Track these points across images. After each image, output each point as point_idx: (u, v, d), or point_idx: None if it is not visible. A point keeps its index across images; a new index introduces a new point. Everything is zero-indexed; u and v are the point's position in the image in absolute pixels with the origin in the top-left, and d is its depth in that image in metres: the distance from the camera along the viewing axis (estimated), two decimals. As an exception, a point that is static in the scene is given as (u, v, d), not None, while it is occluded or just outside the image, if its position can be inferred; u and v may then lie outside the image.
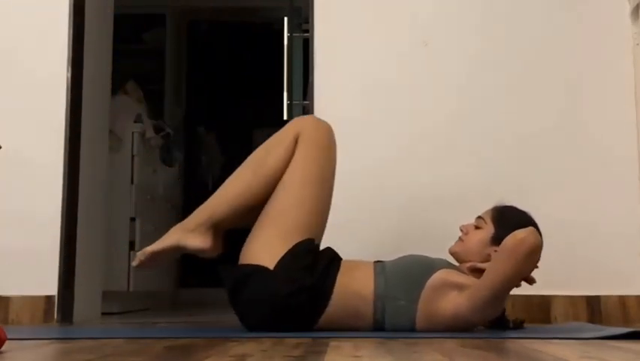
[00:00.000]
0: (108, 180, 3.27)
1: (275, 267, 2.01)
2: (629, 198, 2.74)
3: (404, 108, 2.81)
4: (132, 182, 3.82)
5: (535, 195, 2.69)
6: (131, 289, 3.73)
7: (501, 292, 1.94)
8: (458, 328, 1.98)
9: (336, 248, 2.17)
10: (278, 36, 5.17)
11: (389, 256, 2.17)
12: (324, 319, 2.02)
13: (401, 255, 2.16)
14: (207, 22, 6.39)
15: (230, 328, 2.26)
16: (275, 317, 1.99)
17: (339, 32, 2.85)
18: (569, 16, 2.85)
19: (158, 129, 4.29)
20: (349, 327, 2.03)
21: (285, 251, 2.03)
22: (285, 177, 2.13)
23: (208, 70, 6.47)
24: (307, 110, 3.42)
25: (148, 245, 4.08)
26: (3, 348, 1.47)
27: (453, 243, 2.18)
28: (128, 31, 5.50)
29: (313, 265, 2.05)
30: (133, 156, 3.85)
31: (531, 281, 2.06)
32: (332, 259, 2.10)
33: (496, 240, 2.05)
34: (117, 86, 3.89)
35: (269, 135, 2.27)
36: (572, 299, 2.65)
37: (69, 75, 2.78)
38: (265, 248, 2.05)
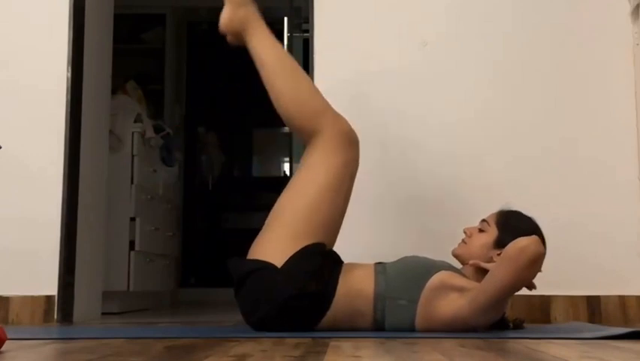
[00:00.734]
0: (108, 180, 3.27)
1: (282, 266, 2.01)
2: (629, 198, 2.74)
3: (404, 109, 2.81)
4: (132, 182, 3.82)
5: (535, 195, 2.69)
6: (131, 289, 3.73)
7: (501, 299, 1.94)
8: (457, 329, 1.98)
9: (337, 250, 2.17)
10: (278, 36, 5.16)
11: (391, 258, 2.17)
12: (325, 321, 2.03)
13: (402, 256, 2.16)
14: (207, 22, 6.39)
15: (230, 328, 2.27)
16: (276, 315, 1.99)
17: (339, 32, 2.85)
18: (569, 16, 2.85)
19: (158, 129, 4.29)
20: (349, 327, 2.03)
21: (295, 252, 2.03)
22: (304, 176, 2.13)
23: (208, 70, 6.48)
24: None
25: (148, 245, 4.10)
26: (3, 348, 1.47)
27: (455, 245, 2.18)
28: (128, 31, 5.50)
29: (320, 270, 2.04)
30: (133, 156, 3.85)
31: (531, 287, 2.06)
32: (335, 263, 2.10)
33: (499, 244, 2.05)
34: (117, 86, 3.89)
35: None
36: (572, 299, 2.65)
37: (69, 75, 2.78)
38: (275, 246, 2.05)
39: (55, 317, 2.65)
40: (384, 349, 1.53)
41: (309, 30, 2.91)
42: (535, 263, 1.87)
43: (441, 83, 2.82)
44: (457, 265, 2.15)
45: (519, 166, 2.76)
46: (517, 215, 2.15)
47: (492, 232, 2.11)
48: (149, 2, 5.60)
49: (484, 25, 2.85)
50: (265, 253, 2.05)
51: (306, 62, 2.98)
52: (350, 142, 2.20)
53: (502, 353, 1.48)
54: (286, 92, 2.21)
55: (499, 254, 2.04)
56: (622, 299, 2.66)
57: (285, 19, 4.26)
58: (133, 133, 3.87)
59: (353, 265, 2.11)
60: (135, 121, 3.92)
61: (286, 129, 5.52)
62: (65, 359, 1.39)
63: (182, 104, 6.09)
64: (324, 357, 1.36)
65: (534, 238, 1.88)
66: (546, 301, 2.64)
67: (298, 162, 4.13)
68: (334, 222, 2.16)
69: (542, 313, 2.63)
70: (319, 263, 2.05)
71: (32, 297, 2.65)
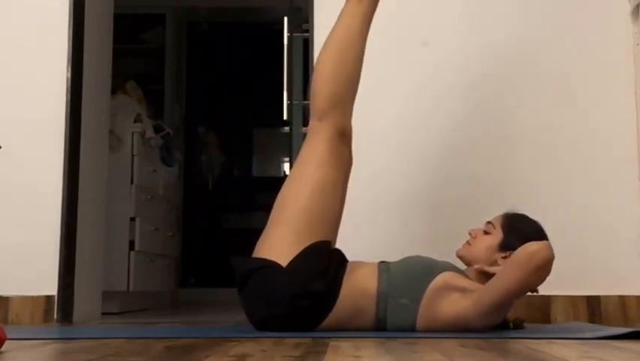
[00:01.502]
0: (108, 180, 3.27)
1: (287, 265, 2.01)
2: (629, 198, 2.74)
3: (404, 108, 2.81)
4: (132, 182, 3.82)
5: (536, 195, 2.69)
6: (131, 289, 3.73)
7: (506, 302, 1.93)
8: (459, 330, 1.98)
9: (342, 250, 2.17)
10: (278, 36, 5.17)
11: (393, 258, 2.17)
12: (328, 321, 2.02)
13: (406, 256, 2.16)
14: (207, 22, 6.39)
15: (230, 328, 2.27)
16: (279, 315, 1.99)
17: (339, 32, 2.85)
18: (569, 16, 2.85)
19: (158, 129, 4.29)
20: (351, 326, 2.03)
21: (299, 251, 2.03)
22: (303, 172, 2.14)
23: (208, 70, 6.48)
24: (307, 110, 3.42)
25: (148, 245, 4.10)
26: (3, 348, 1.47)
27: (460, 246, 2.17)
28: (128, 31, 5.50)
29: (325, 270, 2.04)
30: (133, 156, 3.85)
31: (534, 290, 2.05)
32: (340, 263, 2.10)
33: (504, 246, 2.05)
34: (117, 86, 3.89)
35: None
36: (572, 299, 2.65)
37: (69, 75, 2.78)
38: (279, 245, 2.04)
39: (55, 317, 2.65)
40: (384, 349, 1.53)
41: (309, 30, 2.91)
42: (543, 269, 1.86)
43: (441, 82, 2.82)
44: (461, 265, 2.15)
45: (519, 166, 2.76)
46: (522, 218, 2.15)
47: (497, 235, 2.11)
48: (149, 2, 5.60)
49: (484, 25, 2.85)
50: (269, 251, 2.05)
51: (306, 62, 2.98)
52: (346, 141, 2.20)
53: (503, 353, 1.48)
54: (332, 59, 2.23)
55: (503, 257, 2.04)
56: (622, 299, 2.66)
57: (285, 19, 4.26)
58: (133, 133, 3.87)
59: (357, 264, 2.11)
60: (135, 121, 3.92)
61: (286, 129, 5.52)
62: (65, 359, 1.39)
63: (182, 104, 6.09)
64: (324, 357, 1.36)
65: (545, 243, 1.88)
66: (546, 301, 2.64)
67: (298, 162, 4.13)
68: (335, 218, 2.16)
69: (542, 313, 2.63)
70: (324, 263, 2.04)
71: (32, 297, 2.65)
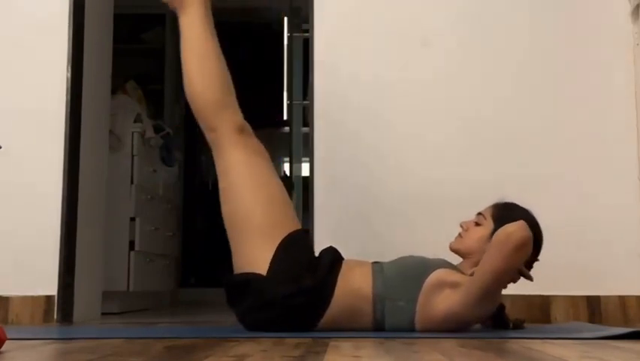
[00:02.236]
0: (108, 180, 3.27)
1: (268, 271, 2.00)
2: (629, 198, 2.74)
3: (405, 108, 2.81)
4: (132, 182, 3.82)
5: (535, 195, 2.68)
6: (131, 289, 3.73)
7: (492, 287, 1.94)
8: (453, 326, 1.98)
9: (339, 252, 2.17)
10: (278, 36, 5.18)
11: (389, 257, 2.17)
12: (324, 320, 2.02)
13: (399, 256, 2.16)
14: (207, 22, 6.38)
15: (230, 328, 2.26)
16: (275, 319, 1.99)
17: (339, 32, 2.85)
18: (570, 16, 2.85)
19: (158, 129, 4.29)
20: (349, 327, 2.03)
21: (273, 252, 2.02)
22: (231, 182, 2.10)
23: (208, 70, 6.46)
24: (307, 110, 3.42)
25: (148, 245, 4.10)
26: (3, 348, 1.47)
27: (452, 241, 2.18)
28: (128, 31, 5.50)
29: (313, 263, 2.05)
30: (133, 156, 3.85)
31: (528, 277, 2.06)
32: (334, 260, 2.09)
33: None
34: (117, 86, 3.89)
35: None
36: (572, 299, 2.65)
37: (69, 75, 2.78)
38: (253, 256, 2.02)
39: (55, 316, 2.65)
40: (383, 349, 1.53)
41: (309, 30, 2.91)
42: (523, 247, 1.88)
43: (441, 82, 2.82)
44: (455, 260, 2.15)
45: (518, 166, 2.76)
46: (512, 207, 2.16)
47: (488, 225, 2.11)
48: (149, 2, 5.59)
49: (484, 25, 2.85)
50: (248, 264, 2.03)
51: (306, 62, 2.98)
52: (247, 134, 2.19)
53: (502, 353, 1.48)
54: (194, 73, 2.19)
55: None
56: (622, 299, 2.66)
57: (285, 19, 4.27)
58: (133, 133, 3.87)
59: (352, 263, 2.10)
60: (135, 121, 3.92)
61: (286, 129, 5.52)
62: (65, 359, 1.39)
63: (182, 104, 6.09)
64: (324, 357, 1.36)
65: (520, 222, 1.89)
66: (546, 301, 2.64)
67: (298, 162, 4.14)
68: (286, 200, 2.16)
69: (542, 313, 2.63)
70: (304, 254, 2.05)
71: (32, 297, 2.65)
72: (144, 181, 3.97)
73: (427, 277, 2.01)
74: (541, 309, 2.64)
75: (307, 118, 3.25)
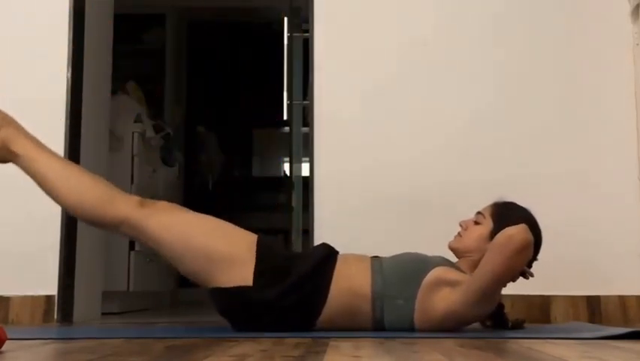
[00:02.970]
0: (108, 180, 3.26)
1: (253, 281, 1.99)
2: (629, 198, 2.74)
3: (404, 108, 2.81)
4: (132, 182, 3.82)
5: (535, 195, 2.68)
6: (131, 289, 3.73)
7: (491, 289, 1.94)
8: (452, 325, 1.99)
9: (335, 248, 2.16)
10: (278, 36, 5.18)
11: (386, 254, 2.16)
12: (323, 318, 2.02)
13: (399, 253, 2.16)
14: (207, 22, 6.39)
15: (230, 328, 2.26)
16: (272, 323, 1.99)
17: (339, 32, 2.85)
18: (569, 16, 2.85)
19: (158, 129, 4.29)
20: (349, 326, 2.03)
21: (252, 264, 2.01)
22: (179, 241, 2.05)
23: (208, 70, 6.48)
24: (307, 110, 3.42)
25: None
26: (3, 348, 1.47)
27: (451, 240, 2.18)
28: (128, 31, 5.50)
29: (295, 260, 2.06)
30: (133, 156, 3.85)
31: (528, 275, 2.06)
32: (326, 255, 2.09)
33: (495, 235, 2.06)
34: (117, 86, 3.89)
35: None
36: (572, 299, 2.65)
37: (69, 75, 2.78)
38: (233, 276, 2.01)
39: (55, 317, 2.65)
40: (383, 349, 1.53)
41: (309, 30, 2.91)
42: (523, 251, 1.88)
43: (440, 83, 2.82)
44: (453, 258, 2.15)
45: (518, 166, 2.76)
46: (512, 206, 2.16)
47: (487, 224, 2.12)
48: (149, 2, 5.61)
49: (484, 25, 2.85)
50: (229, 281, 2.01)
51: (306, 62, 2.98)
52: (149, 202, 2.14)
53: (502, 353, 1.48)
54: (64, 197, 2.12)
55: None
56: (622, 299, 2.66)
57: (285, 19, 4.27)
58: (133, 133, 3.87)
59: (349, 258, 2.10)
60: (135, 121, 3.92)
61: (286, 129, 5.52)
62: (65, 359, 1.39)
63: (182, 104, 6.09)
64: (324, 357, 1.36)
65: (522, 225, 1.90)
66: (546, 301, 2.64)
67: (299, 162, 4.14)
68: (228, 224, 2.13)
69: (542, 313, 2.63)
70: (281, 258, 2.05)
71: (32, 297, 2.65)
72: (144, 181, 3.97)
73: (425, 275, 2.01)
74: (541, 309, 2.64)
75: (307, 118, 3.25)
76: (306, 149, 3.23)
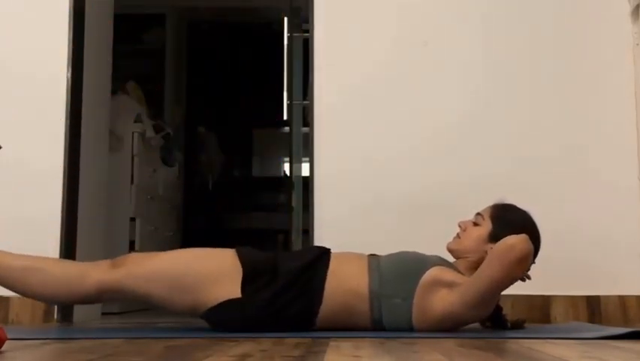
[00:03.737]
0: (108, 180, 3.27)
1: (242, 292, 1.99)
2: (629, 198, 2.74)
3: (404, 108, 2.81)
4: (132, 182, 3.82)
5: (535, 195, 2.69)
6: (131, 289, 3.72)
7: (490, 294, 1.95)
8: (449, 325, 1.99)
9: (331, 247, 2.16)
10: (278, 36, 5.18)
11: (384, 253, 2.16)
12: (321, 317, 2.02)
13: (396, 251, 2.15)
14: (207, 22, 6.39)
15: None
16: (271, 325, 1.98)
17: (339, 32, 2.85)
18: (569, 16, 2.85)
19: (158, 129, 4.28)
20: (348, 325, 2.03)
21: (238, 276, 2.01)
22: (164, 280, 2.03)
23: (208, 70, 6.48)
24: (307, 110, 3.42)
25: (148, 245, 4.08)
26: (3, 348, 1.47)
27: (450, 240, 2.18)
28: (128, 31, 5.50)
29: (279, 262, 2.05)
30: (133, 156, 3.85)
31: (525, 278, 2.06)
32: (317, 255, 2.08)
33: (494, 237, 2.06)
34: (117, 86, 3.89)
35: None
36: (572, 299, 2.65)
37: (69, 75, 2.78)
38: (220, 292, 2.01)
39: (55, 317, 2.65)
40: (383, 349, 1.53)
41: (309, 30, 2.91)
42: (523, 261, 1.89)
43: (441, 83, 2.82)
44: (451, 258, 2.15)
45: (518, 166, 2.76)
46: (511, 208, 2.16)
47: (486, 226, 2.12)
48: (149, 2, 5.60)
49: (484, 25, 2.85)
50: (218, 296, 2.01)
51: (306, 62, 2.98)
52: (120, 260, 2.11)
53: (502, 353, 1.48)
54: (49, 287, 2.08)
55: (492, 248, 2.05)
56: (622, 299, 2.66)
57: (285, 19, 4.26)
58: (133, 133, 3.87)
59: (344, 257, 2.10)
60: (135, 121, 3.92)
61: (286, 129, 5.52)
62: (65, 359, 1.39)
63: (182, 104, 6.09)
64: (324, 357, 1.36)
65: (523, 236, 1.90)
66: (546, 301, 2.64)
67: (299, 162, 4.14)
68: (203, 249, 2.14)
69: (542, 314, 2.63)
70: (266, 263, 2.04)
71: (32, 297, 2.64)
72: (144, 181, 3.97)
73: (423, 274, 2.01)
74: (541, 309, 2.64)
75: (307, 118, 3.25)
76: (306, 149, 3.23)
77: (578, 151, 2.77)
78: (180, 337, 1.86)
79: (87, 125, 2.89)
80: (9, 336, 1.51)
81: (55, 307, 2.65)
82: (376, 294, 2.02)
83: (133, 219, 3.79)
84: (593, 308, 2.65)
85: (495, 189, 2.66)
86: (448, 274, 2.02)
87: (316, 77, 2.81)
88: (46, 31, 2.80)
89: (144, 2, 5.53)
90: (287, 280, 2.00)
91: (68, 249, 2.72)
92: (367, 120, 2.80)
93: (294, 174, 4.09)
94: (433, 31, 2.85)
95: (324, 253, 2.10)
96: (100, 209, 3.12)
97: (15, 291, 2.14)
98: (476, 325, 2.15)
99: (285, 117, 4.61)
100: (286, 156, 6.15)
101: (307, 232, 2.92)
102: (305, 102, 3.81)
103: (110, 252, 3.38)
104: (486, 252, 2.07)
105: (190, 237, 5.81)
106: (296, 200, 4.03)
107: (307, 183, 2.89)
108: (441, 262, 2.07)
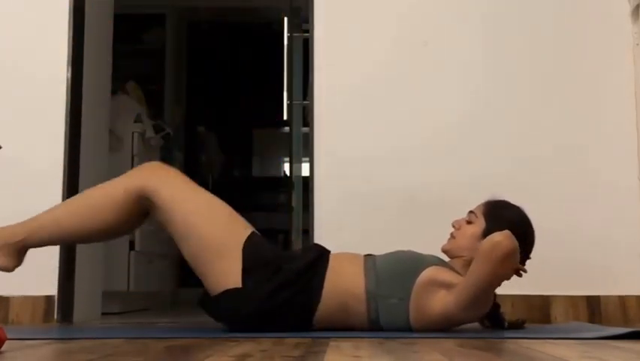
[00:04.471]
0: (108, 180, 3.26)
1: (242, 282, 1.99)
2: (629, 198, 2.74)
3: (404, 108, 2.81)
4: (132, 182, 3.81)
5: (535, 195, 2.69)
6: (131, 289, 3.73)
7: (482, 294, 1.95)
8: (447, 325, 2.00)
9: (331, 247, 2.16)
10: (278, 36, 5.18)
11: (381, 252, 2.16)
12: (319, 316, 2.02)
13: (392, 251, 2.15)
14: (207, 22, 6.39)
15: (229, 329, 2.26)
16: (268, 322, 1.98)
17: (339, 32, 2.85)
18: (569, 16, 2.85)
19: (158, 129, 4.29)
20: (346, 325, 2.03)
21: (240, 263, 2.01)
22: (178, 218, 2.08)
23: (208, 70, 6.48)
24: (307, 110, 3.42)
25: (148, 245, 4.08)
26: (3, 348, 1.47)
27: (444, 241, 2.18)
28: (128, 31, 5.51)
29: (285, 257, 2.06)
30: (133, 156, 3.85)
31: (521, 273, 2.05)
32: (318, 254, 2.09)
33: (487, 234, 2.06)
34: (117, 86, 3.89)
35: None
36: (572, 299, 2.65)
37: (69, 75, 2.78)
38: (224, 273, 2.02)
39: (55, 317, 2.65)
40: (383, 349, 1.53)
41: (309, 30, 2.92)
42: (508, 258, 1.89)
43: (441, 83, 2.82)
44: (447, 258, 2.15)
45: (518, 166, 2.76)
46: (504, 205, 2.16)
47: (480, 223, 2.11)
48: (149, 2, 5.61)
49: (484, 25, 2.85)
50: (220, 285, 2.02)
51: (306, 62, 2.98)
52: (160, 168, 2.18)
53: (502, 353, 1.48)
54: (97, 209, 2.14)
55: None
56: (622, 299, 2.66)
57: (285, 19, 4.27)
58: (133, 133, 3.87)
59: (342, 257, 2.10)
60: (135, 121, 3.92)
61: (286, 129, 5.52)
62: (65, 359, 1.39)
63: (182, 104, 6.09)
64: (324, 357, 1.36)
65: (506, 232, 1.90)
66: (546, 301, 2.64)
67: (298, 162, 4.14)
68: (231, 214, 2.15)
69: (542, 314, 2.63)
70: (270, 256, 2.04)
71: (32, 297, 2.65)
72: (144, 181, 3.96)
73: (419, 274, 2.01)
74: (541, 309, 2.64)
75: (307, 118, 3.25)
76: (306, 149, 3.23)
77: (578, 151, 2.78)
78: (180, 337, 1.86)
79: (87, 124, 2.89)
80: (9, 336, 1.51)
81: (55, 307, 2.65)
82: (373, 294, 2.02)
83: (133, 220, 3.78)
84: (593, 308, 2.65)
85: (495, 189, 2.66)
86: (444, 274, 2.02)
87: (316, 77, 2.81)
88: (46, 31, 2.80)
89: (144, 2, 5.54)
90: (288, 277, 2.00)
91: (68, 249, 2.72)
92: (367, 120, 2.80)
93: (294, 174, 4.10)
94: (433, 31, 2.85)
95: (324, 253, 2.10)
96: (100, 209, 3.12)
97: (74, 238, 2.18)
98: (476, 325, 2.15)
99: (285, 117, 4.62)
100: (286, 156, 6.15)
101: (307, 232, 2.93)
102: (305, 102, 3.81)
103: (109, 252, 3.40)
104: None
105: (190, 237, 5.81)
106: (296, 200, 4.04)
107: (307, 183, 2.89)
108: (437, 261, 2.07)
